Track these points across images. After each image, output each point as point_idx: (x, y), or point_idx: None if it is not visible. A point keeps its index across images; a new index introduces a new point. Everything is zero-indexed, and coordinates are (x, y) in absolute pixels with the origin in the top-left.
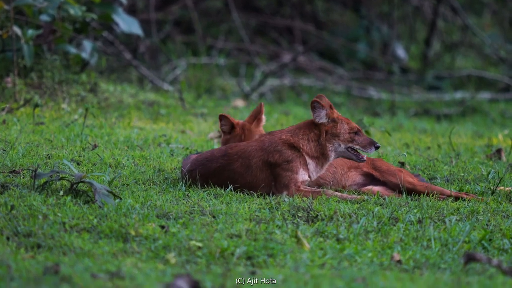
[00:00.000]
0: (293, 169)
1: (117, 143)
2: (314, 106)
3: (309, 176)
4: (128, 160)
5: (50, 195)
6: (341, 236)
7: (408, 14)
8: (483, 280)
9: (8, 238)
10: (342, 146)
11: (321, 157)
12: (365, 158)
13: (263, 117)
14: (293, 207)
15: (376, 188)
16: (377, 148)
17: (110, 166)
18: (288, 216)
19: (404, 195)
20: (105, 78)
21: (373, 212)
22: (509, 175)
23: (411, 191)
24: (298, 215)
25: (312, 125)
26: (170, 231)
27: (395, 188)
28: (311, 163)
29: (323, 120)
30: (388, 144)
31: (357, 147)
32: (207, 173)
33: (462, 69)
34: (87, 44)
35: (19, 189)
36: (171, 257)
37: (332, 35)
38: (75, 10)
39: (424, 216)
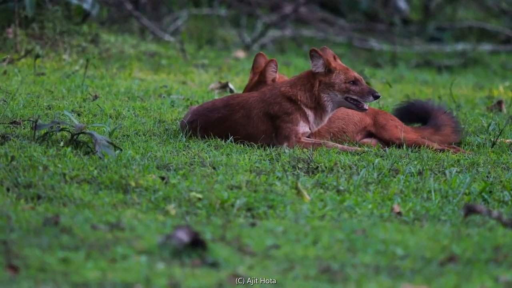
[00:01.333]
0: (293, 121)
1: (117, 94)
2: (312, 55)
3: (310, 128)
4: (128, 111)
5: (51, 146)
6: (341, 188)
7: None
8: (483, 232)
9: (8, 189)
10: (339, 96)
11: (318, 107)
12: (366, 107)
13: None
14: (293, 158)
15: (375, 141)
16: (376, 97)
17: (110, 117)
18: (288, 167)
19: (404, 147)
20: (106, 29)
21: (373, 164)
22: (509, 127)
23: (400, 146)
24: (298, 167)
25: (311, 76)
26: (170, 182)
27: (385, 143)
28: (311, 115)
29: (320, 69)
30: (389, 95)
31: (355, 97)
32: (208, 123)
33: (463, 20)
34: None
35: (20, 140)
36: (171, 208)
37: None
38: None
39: (424, 168)
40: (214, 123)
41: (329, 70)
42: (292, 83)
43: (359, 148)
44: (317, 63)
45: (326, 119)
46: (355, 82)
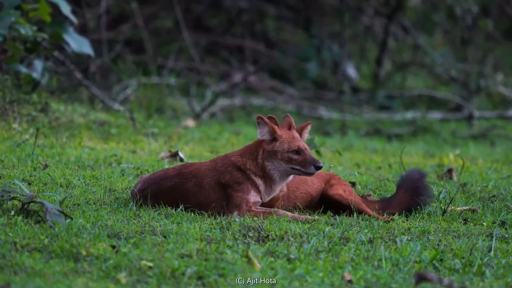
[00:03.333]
0: (244, 190)
1: (68, 163)
2: (258, 122)
3: (261, 198)
4: (79, 180)
5: (1, 215)
6: (292, 256)
7: (359, 33)
8: None
9: None
10: (283, 165)
11: (266, 176)
12: (312, 171)
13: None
14: (244, 227)
15: None
16: (318, 168)
17: (61, 186)
18: (239, 236)
19: (355, 215)
20: (56, 98)
21: (324, 232)
22: (460, 195)
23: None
24: (249, 235)
25: (258, 144)
26: (121, 251)
27: (330, 202)
28: (261, 184)
29: (266, 137)
30: (339, 164)
31: (297, 166)
32: (160, 191)
33: (413, 88)
34: (38, 64)
35: None
36: (122, 277)
37: (282, 55)
38: (26, 30)
39: (375, 236)
40: (166, 191)
41: (274, 138)
42: (241, 152)
43: (309, 217)
44: (263, 130)
45: (277, 189)
46: (298, 151)
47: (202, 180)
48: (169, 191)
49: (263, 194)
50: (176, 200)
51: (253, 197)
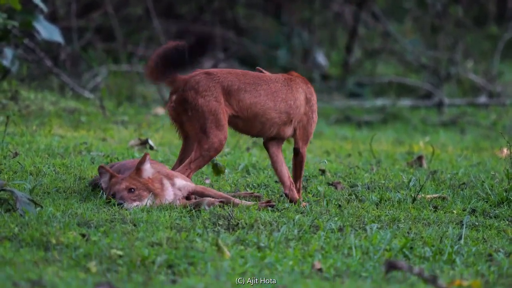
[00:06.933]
0: None
1: (38, 151)
2: (100, 172)
3: None
4: (49, 168)
5: None
6: (262, 244)
7: (329, 20)
8: None
9: None
10: None
11: None
12: None
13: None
14: (214, 215)
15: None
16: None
17: (31, 174)
18: (209, 224)
19: (324, 202)
20: (26, 85)
21: (294, 220)
22: (430, 182)
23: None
24: (219, 223)
25: None
26: (91, 240)
27: None
28: None
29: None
30: (308, 151)
31: None
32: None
33: (383, 75)
34: (8, 52)
35: None
36: (92, 265)
37: (253, 42)
38: None
39: (345, 224)
40: None
41: None
42: None
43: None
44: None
45: None
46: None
47: None
48: None
49: None
50: None
51: None
